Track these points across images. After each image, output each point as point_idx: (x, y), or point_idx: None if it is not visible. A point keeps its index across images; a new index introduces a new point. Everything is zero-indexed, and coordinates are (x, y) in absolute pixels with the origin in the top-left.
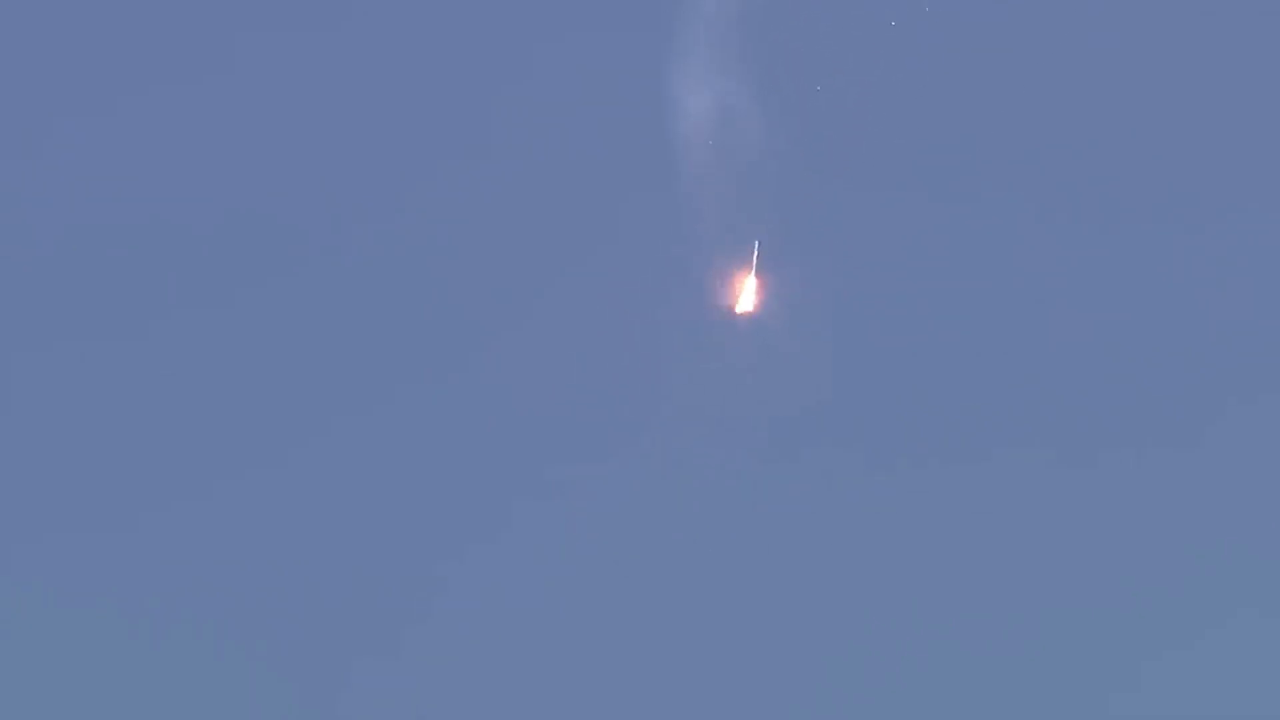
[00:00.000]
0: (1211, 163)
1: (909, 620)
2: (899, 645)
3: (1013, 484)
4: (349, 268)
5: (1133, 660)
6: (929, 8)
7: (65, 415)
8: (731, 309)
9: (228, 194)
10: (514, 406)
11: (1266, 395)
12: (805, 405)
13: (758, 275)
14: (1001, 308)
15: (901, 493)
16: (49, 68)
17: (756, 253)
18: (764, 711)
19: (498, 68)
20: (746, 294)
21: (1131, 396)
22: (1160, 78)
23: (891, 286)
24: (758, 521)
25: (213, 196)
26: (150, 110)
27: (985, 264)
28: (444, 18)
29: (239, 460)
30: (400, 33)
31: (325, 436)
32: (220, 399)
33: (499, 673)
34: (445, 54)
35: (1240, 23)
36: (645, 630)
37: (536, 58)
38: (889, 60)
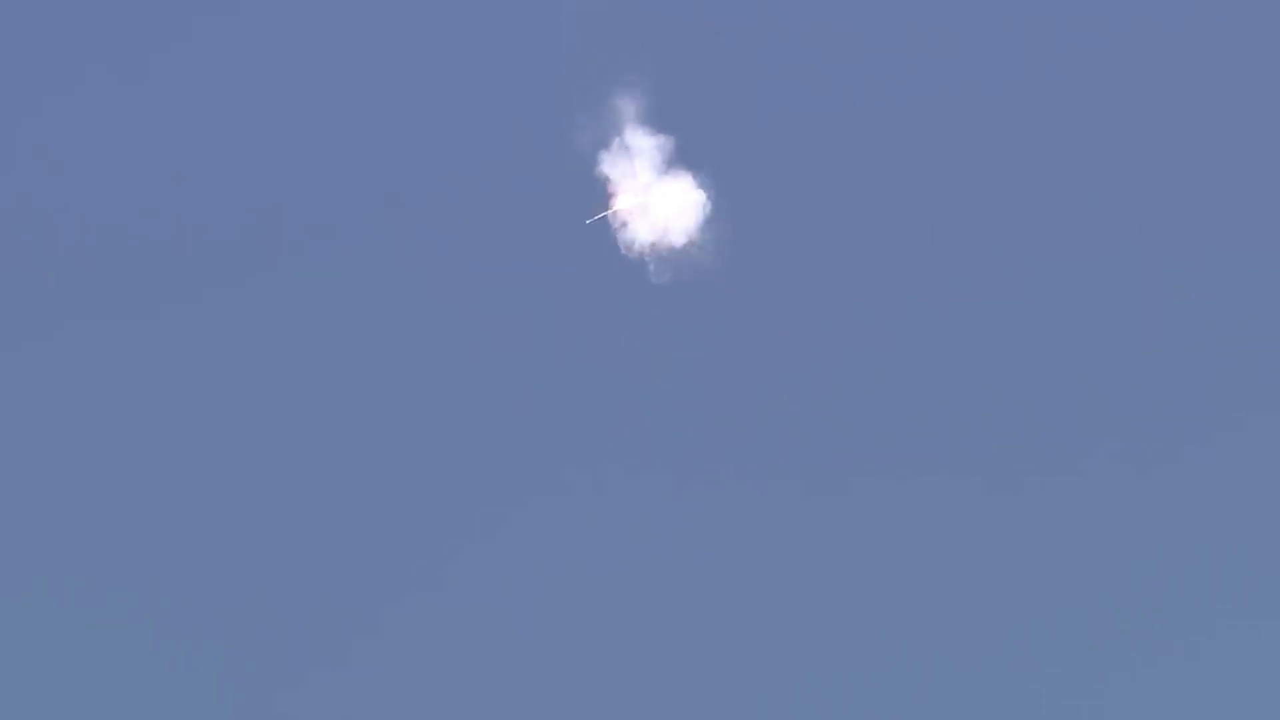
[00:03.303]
0: (1193, 186)
1: (893, 619)
2: (885, 644)
3: (992, 489)
4: (325, 276)
5: (1125, 669)
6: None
7: (59, 413)
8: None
9: (213, 199)
10: (490, 416)
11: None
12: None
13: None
14: (976, 312)
15: (883, 493)
16: (48, 72)
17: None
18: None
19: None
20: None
21: (1113, 406)
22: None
23: (866, 281)
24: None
25: (194, 201)
26: (137, 115)
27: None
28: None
29: (233, 469)
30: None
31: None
32: (222, 404)
33: (474, 678)
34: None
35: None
36: (628, 635)
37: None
38: (878, 79)
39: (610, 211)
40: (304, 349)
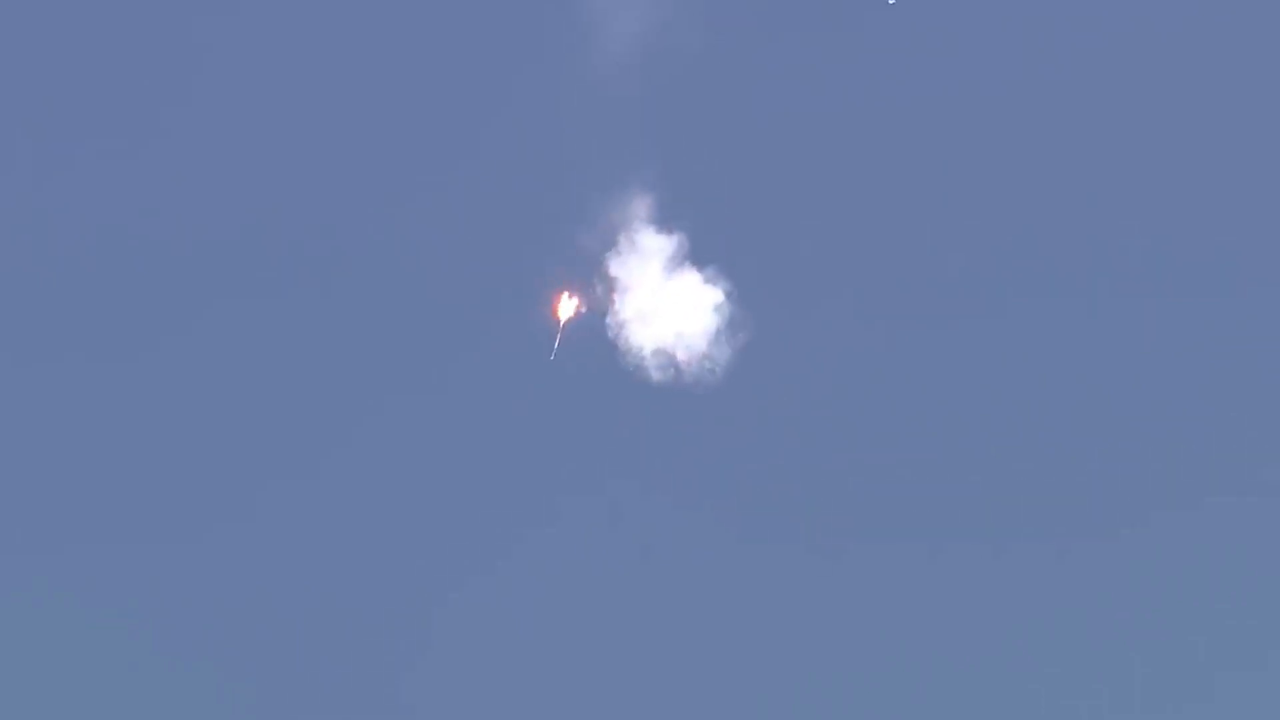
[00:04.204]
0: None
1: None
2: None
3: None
4: (325, 287)
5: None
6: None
7: (68, 427)
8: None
9: (214, 207)
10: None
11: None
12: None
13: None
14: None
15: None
16: (48, 74)
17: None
18: None
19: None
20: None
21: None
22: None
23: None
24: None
25: (195, 206)
26: (139, 115)
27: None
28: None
29: (233, 470)
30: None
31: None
32: (223, 406)
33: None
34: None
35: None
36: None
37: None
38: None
39: (565, 325)
40: (301, 361)
